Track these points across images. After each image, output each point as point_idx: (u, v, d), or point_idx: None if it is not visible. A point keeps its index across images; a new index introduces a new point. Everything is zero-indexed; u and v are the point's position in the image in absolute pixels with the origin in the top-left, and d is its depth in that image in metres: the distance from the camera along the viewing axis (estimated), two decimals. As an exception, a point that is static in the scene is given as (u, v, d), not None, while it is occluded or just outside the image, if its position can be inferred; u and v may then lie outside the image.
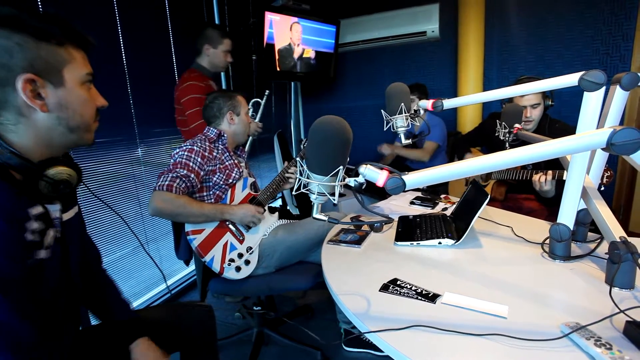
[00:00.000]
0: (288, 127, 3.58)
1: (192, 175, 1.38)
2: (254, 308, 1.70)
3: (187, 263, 1.57)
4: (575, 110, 0.90)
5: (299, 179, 0.74)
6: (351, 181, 0.72)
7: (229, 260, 1.40)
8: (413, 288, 0.87)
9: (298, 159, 0.71)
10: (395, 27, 2.97)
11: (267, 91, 2.19)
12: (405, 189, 0.71)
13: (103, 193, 1.85)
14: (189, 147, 1.42)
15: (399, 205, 1.63)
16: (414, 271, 0.99)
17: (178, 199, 1.31)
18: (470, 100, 1.17)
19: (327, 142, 0.69)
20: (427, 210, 1.53)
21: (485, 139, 2.14)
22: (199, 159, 1.41)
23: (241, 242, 1.46)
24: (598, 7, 2.48)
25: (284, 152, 3.08)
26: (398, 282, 0.91)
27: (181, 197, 1.33)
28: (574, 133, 1.84)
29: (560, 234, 0.96)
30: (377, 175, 0.71)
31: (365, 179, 0.73)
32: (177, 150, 1.42)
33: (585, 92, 0.85)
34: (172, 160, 1.40)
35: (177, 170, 1.35)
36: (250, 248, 1.46)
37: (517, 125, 1.46)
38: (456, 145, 2.36)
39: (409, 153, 2.63)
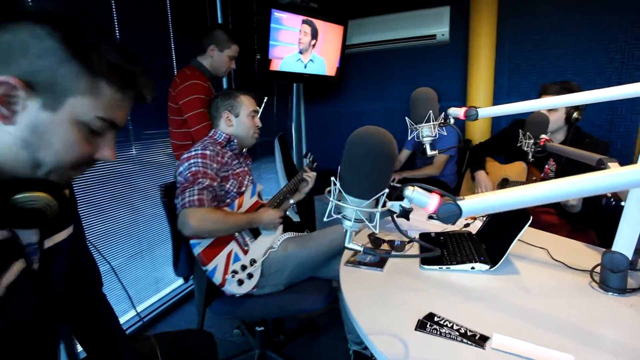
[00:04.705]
0: (289, 130, 3.45)
1: (215, 184, 1.28)
2: (257, 328, 1.56)
3: (186, 280, 1.43)
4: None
5: (331, 202, 0.61)
6: (396, 206, 0.60)
7: (232, 272, 1.27)
8: (455, 327, 0.75)
9: (333, 179, 0.59)
10: (404, 29, 2.87)
11: (265, 98, 2.08)
12: (461, 217, 0.59)
13: (94, 194, 1.72)
14: (201, 151, 1.29)
15: (416, 220, 1.51)
16: (448, 303, 0.87)
17: (213, 213, 1.23)
18: (510, 109, 1.05)
19: (372, 159, 0.57)
20: (447, 227, 1.42)
21: (506, 147, 2.03)
22: (215, 165, 1.30)
23: (245, 252, 1.33)
24: (614, 14, 2.39)
25: (285, 156, 2.96)
26: (435, 319, 0.78)
27: (215, 211, 1.24)
28: (605, 149, 1.75)
29: (615, 263, 0.85)
30: (426, 200, 0.59)
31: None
32: (186, 156, 1.29)
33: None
34: (186, 171, 1.26)
35: (200, 181, 1.23)
36: (255, 261, 1.34)
37: (544, 136, 1.36)
38: (471, 155, 2.25)
39: (420, 173, 2.53)
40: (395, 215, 0.61)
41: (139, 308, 2.12)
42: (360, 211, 0.59)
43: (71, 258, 0.70)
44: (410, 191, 0.59)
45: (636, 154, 2.52)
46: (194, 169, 1.26)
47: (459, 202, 0.58)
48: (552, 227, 1.79)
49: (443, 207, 0.58)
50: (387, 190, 0.57)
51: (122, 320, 1.88)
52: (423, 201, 0.59)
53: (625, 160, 0.92)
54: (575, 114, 1.72)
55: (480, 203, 0.58)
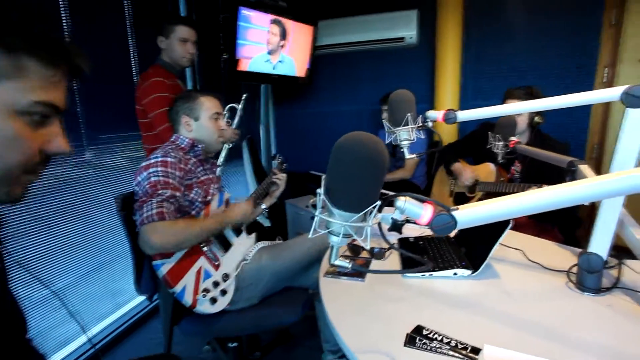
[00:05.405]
0: (257, 132, 3.36)
1: (178, 194, 1.16)
2: (229, 344, 1.47)
3: (149, 298, 1.31)
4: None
5: (316, 216, 0.56)
6: (387, 219, 0.56)
7: (204, 291, 1.17)
8: (445, 340, 0.72)
9: (318, 191, 0.53)
10: (373, 31, 2.87)
11: (244, 95, 1.97)
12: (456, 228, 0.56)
13: (41, 204, 1.55)
14: (161, 159, 1.17)
15: (393, 224, 1.49)
16: (434, 313, 0.84)
17: (175, 225, 1.11)
18: (487, 112, 1.05)
19: (361, 167, 0.52)
20: (424, 230, 1.41)
21: (475, 148, 2.08)
22: (177, 173, 1.18)
23: (216, 267, 1.24)
24: (569, 20, 2.54)
25: (253, 159, 2.87)
26: (424, 332, 0.75)
27: (177, 222, 1.12)
28: (565, 150, 1.83)
29: (591, 264, 0.86)
30: (419, 211, 0.55)
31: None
32: (145, 164, 1.17)
33: (628, 110, 0.76)
34: (145, 181, 1.14)
35: (160, 192, 1.12)
36: (227, 276, 1.25)
37: (513, 138, 1.39)
38: (441, 156, 2.28)
39: (392, 177, 2.53)
40: (387, 229, 0.56)
41: (99, 327, 1.94)
42: (349, 226, 0.54)
43: None
44: (402, 202, 0.55)
45: (587, 153, 2.70)
46: (153, 179, 1.14)
47: (453, 213, 0.55)
48: (522, 227, 1.85)
49: (437, 218, 0.55)
50: (379, 203, 0.53)
51: (76, 343, 1.72)
52: (416, 212, 0.55)
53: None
54: (536, 118, 1.80)
55: (476, 213, 0.55)
